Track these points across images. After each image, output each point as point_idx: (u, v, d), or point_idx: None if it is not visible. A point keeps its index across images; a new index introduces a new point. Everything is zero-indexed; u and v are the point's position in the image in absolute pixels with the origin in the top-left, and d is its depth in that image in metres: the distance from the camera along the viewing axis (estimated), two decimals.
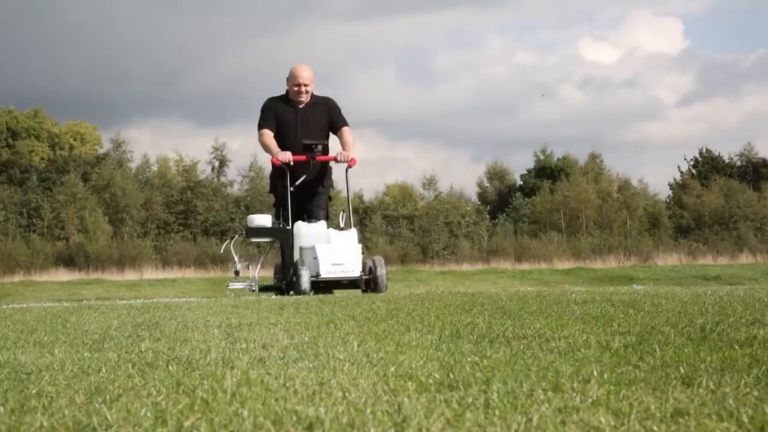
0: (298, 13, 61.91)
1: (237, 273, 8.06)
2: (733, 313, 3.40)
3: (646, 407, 1.45)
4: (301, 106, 8.06)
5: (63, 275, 25.83)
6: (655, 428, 1.29)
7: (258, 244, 10.28)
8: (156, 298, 8.55)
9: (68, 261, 30.75)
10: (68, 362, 2.30)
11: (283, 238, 7.79)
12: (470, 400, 1.55)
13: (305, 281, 7.17)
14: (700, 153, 41.37)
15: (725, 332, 2.66)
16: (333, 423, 1.37)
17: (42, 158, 41.47)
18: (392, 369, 2.00)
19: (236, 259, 8.14)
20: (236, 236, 8.32)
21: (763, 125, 56.61)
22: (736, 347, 2.28)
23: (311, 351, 2.45)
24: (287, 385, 1.79)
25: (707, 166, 40.50)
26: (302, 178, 7.85)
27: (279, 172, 7.95)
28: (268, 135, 8.00)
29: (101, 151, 42.29)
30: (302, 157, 7.80)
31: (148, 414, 1.49)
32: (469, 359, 2.17)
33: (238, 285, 7.91)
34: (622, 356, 2.17)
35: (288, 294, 7.44)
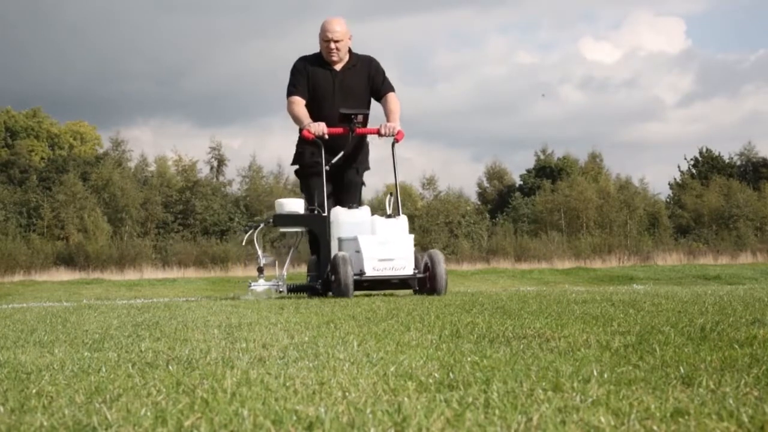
0: (299, 13, 61.89)
1: (261, 270, 6.62)
2: (733, 313, 3.40)
3: (646, 407, 1.44)
4: (337, 68, 6.75)
5: (63, 275, 25.85)
6: (655, 428, 1.29)
7: (285, 235, 9.03)
8: (156, 298, 8.53)
9: (68, 261, 30.78)
10: (68, 362, 2.30)
11: (318, 227, 6.44)
12: (470, 399, 1.55)
13: (347, 281, 5.88)
14: (700, 153, 41.40)
15: (725, 332, 2.66)
16: (333, 423, 1.37)
17: (41, 158, 41.49)
18: (392, 369, 2.00)
19: (260, 253, 6.72)
20: (261, 225, 6.87)
21: (763, 125, 56.62)
22: (736, 347, 2.28)
23: (311, 351, 2.45)
24: (287, 384, 1.79)
25: (707, 166, 40.53)
26: (339, 155, 6.60)
27: (311, 147, 6.66)
28: (299, 103, 6.69)
29: (101, 150, 42.27)
30: (339, 130, 6.53)
31: (148, 414, 1.49)
32: (469, 359, 2.17)
33: (261, 285, 6.51)
34: (622, 356, 2.17)
35: (326, 296, 6.25)
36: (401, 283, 6.21)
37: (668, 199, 39.83)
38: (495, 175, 43.10)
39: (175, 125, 60.11)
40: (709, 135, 65.35)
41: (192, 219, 35.86)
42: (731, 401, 1.47)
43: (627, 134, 61.63)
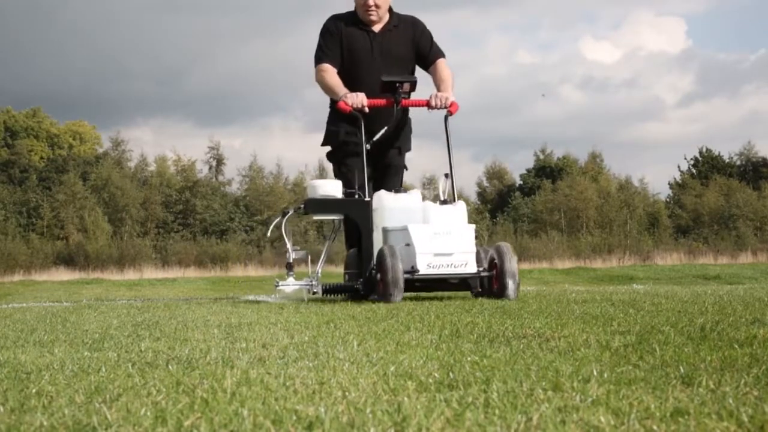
0: (300, 13, 61.87)
1: (290, 266, 5.51)
2: (733, 313, 3.40)
3: (645, 407, 1.45)
4: (376, 29, 5.73)
5: (63, 275, 25.86)
6: (654, 428, 1.29)
7: (320, 224, 7.36)
8: (156, 298, 8.53)
9: (68, 260, 30.79)
10: (68, 362, 2.30)
11: (359, 214, 5.38)
12: (470, 399, 1.55)
13: (396, 280, 4.84)
14: (700, 152, 41.41)
15: (725, 332, 2.66)
16: (333, 422, 1.37)
17: (41, 158, 41.49)
18: (392, 368, 2.00)
19: (289, 245, 5.55)
20: (290, 211, 5.72)
21: (763, 125, 56.64)
22: (736, 347, 2.28)
23: (311, 350, 2.45)
24: (287, 384, 1.79)
25: (707, 166, 40.54)
26: (382, 131, 5.61)
27: (347, 124, 5.65)
28: (330, 72, 5.67)
29: (100, 150, 42.28)
30: (381, 101, 5.54)
31: (148, 413, 1.49)
32: (469, 359, 2.17)
33: (291, 285, 5.42)
34: (622, 356, 2.17)
35: (368, 299, 5.23)
36: (461, 283, 5.19)
37: (668, 199, 39.84)
38: (495, 174, 43.11)
39: (175, 125, 60.17)
40: (709, 135, 65.38)
41: (192, 219, 35.87)
42: (731, 401, 1.47)
43: (627, 134, 61.67)
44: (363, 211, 5.38)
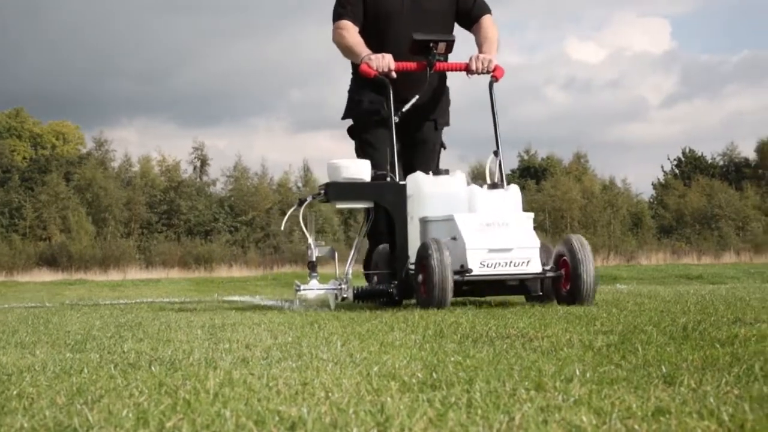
0: (287, 14, 61.82)
1: (313, 266, 4.52)
2: (715, 312, 3.42)
3: (627, 406, 1.45)
4: None
5: (45, 276, 25.74)
6: (636, 427, 1.29)
7: (343, 213, 5.83)
8: (139, 299, 8.50)
9: (51, 261, 30.64)
10: (50, 363, 2.29)
11: (393, 201, 4.42)
12: (453, 399, 1.55)
13: (444, 282, 3.92)
14: (683, 153, 41.62)
15: (707, 331, 2.68)
16: (316, 423, 1.37)
17: (24, 158, 41.24)
18: (375, 369, 2.00)
19: (311, 241, 4.54)
20: (308, 199, 4.67)
21: (745, 126, 57.00)
22: (718, 346, 2.29)
23: (295, 351, 2.45)
24: (270, 385, 1.79)
25: (690, 166, 40.76)
26: (413, 100, 4.79)
27: (373, 90, 4.86)
28: (351, 30, 4.86)
29: (84, 150, 42.07)
30: (411, 65, 4.71)
31: (130, 415, 1.49)
32: (452, 359, 2.17)
33: (315, 288, 4.41)
34: (605, 355, 2.18)
35: (401, 304, 4.44)
36: (521, 285, 4.27)
37: (651, 199, 40.04)
38: (480, 175, 43.18)
39: (160, 125, 59.93)
40: (692, 135, 65.69)
41: (176, 219, 35.76)
42: (712, 400, 1.48)
43: (611, 134, 61.93)
44: (397, 197, 4.43)
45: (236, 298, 7.35)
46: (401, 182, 4.50)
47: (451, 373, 1.90)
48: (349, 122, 5.16)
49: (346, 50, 4.91)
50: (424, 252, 4.05)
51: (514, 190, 4.47)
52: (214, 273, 26.20)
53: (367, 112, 4.95)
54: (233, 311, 4.67)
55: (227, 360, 2.26)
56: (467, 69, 4.76)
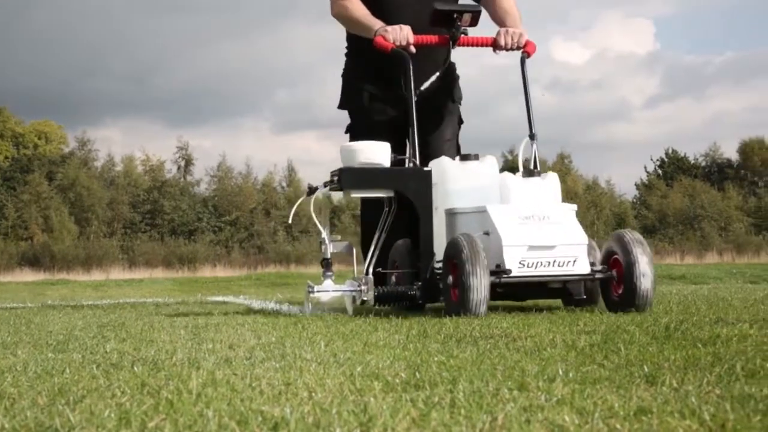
0: (273, 14, 61.73)
1: (328, 264, 4.03)
2: (697, 312, 3.44)
3: (609, 406, 1.46)
4: None
5: (27, 276, 25.59)
6: (618, 426, 1.30)
7: (367, 202, 4.54)
8: (122, 299, 8.46)
9: (33, 261, 30.47)
10: (31, 363, 2.28)
11: (417, 189, 3.90)
12: (436, 399, 1.55)
13: (479, 285, 3.41)
14: (666, 154, 41.82)
15: (689, 331, 2.69)
16: (298, 423, 1.37)
17: (6, 157, 40.99)
18: (359, 369, 2.00)
19: (325, 235, 4.03)
20: (320, 187, 4.13)
21: (728, 127, 57.34)
22: (700, 346, 2.30)
23: (278, 351, 2.45)
24: (253, 385, 1.79)
25: (673, 167, 40.97)
26: (433, 78, 4.43)
27: (375, 76, 4.43)
28: (355, 2, 4.37)
29: (66, 150, 41.85)
30: (432, 38, 4.23)
31: (112, 415, 1.48)
32: (435, 359, 2.18)
33: (330, 290, 3.94)
34: (588, 355, 2.19)
35: (423, 308, 4.04)
36: (563, 287, 3.80)
37: (635, 200, 40.22)
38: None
39: (145, 125, 59.68)
40: (675, 136, 66.02)
41: (160, 219, 35.63)
42: (693, 399, 1.49)
43: (594, 135, 62.11)
44: (421, 184, 3.90)
45: (220, 298, 7.34)
46: (426, 168, 3.97)
47: (434, 373, 1.91)
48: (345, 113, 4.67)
49: (354, 23, 4.35)
50: (454, 249, 3.51)
51: (553, 178, 3.99)
52: (197, 273, 26.12)
53: (368, 112, 4.50)
54: (217, 311, 4.66)
55: (210, 360, 2.25)
56: (495, 44, 4.30)
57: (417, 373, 1.89)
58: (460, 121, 4.77)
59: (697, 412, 1.38)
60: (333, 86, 60.14)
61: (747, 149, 40.08)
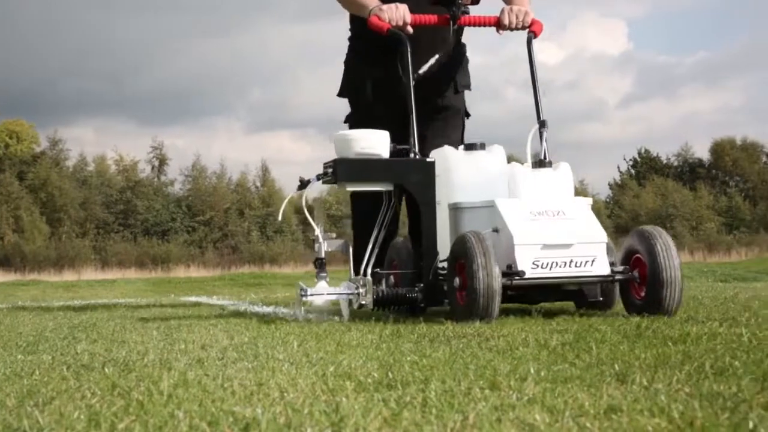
0: (248, 14, 61.44)
1: (322, 264, 3.75)
2: None
3: (580, 404, 1.47)
4: None
5: None
6: (588, 425, 1.31)
7: (360, 196, 4.10)
8: (94, 299, 8.40)
9: (3, 262, 30.17)
10: (0, 365, 2.25)
11: (419, 182, 3.61)
12: (408, 399, 1.56)
13: (490, 287, 3.14)
14: (639, 153, 42.12)
15: (660, 329, 2.71)
16: (270, 423, 1.37)
17: None
18: (331, 369, 2.00)
19: (319, 231, 3.75)
20: (312, 179, 3.80)
21: (699, 127, 57.84)
22: (670, 344, 2.32)
23: (251, 351, 2.44)
24: (225, 386, 1.78)
25: (645, 166, 41.27)
26: (432, 60, 4.17)
27: (378, 63, 4.17)
28: None
29: (38, 149, 41.46)
30: (432, 17, 4.00)
31: (82, 417, 1.47)
32: (408, 358, 2.18)
33: (324, 293, 3.64)
34: (559, 354, 2.20)
35: (424, 312, 3.63)
36: (578, 290, 3.53)
37: (608, 199, 40.48)
38: None
39: (119, 125, 59.19)
40: (647, 136, 66.49)
41: (133, 219, 35.40)
42: (663, 398, 1.50)
43: (569, 135, 62.37)
44: (424, 177, 3.61)
45: (193, 298, 7.30)
46: (429, 159, 3.68)
47: (407, 372, 1.91)
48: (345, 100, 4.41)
49: (350, 2, 4.16)
50: (462, 248, 3.24)
51: (565, 169, 3.68)
52: (171, 273, 25.96)
53: (370, 100, 4.24)
54: (190, 312, 4.63)
55: (182, 361, 2.24)
56: (498, 24, 4.05)
57: (389, 373, 1.89)
58: (466, 114, 4.43)
59: (666, 410, 1.39)
60: (307, 86, 60.06)
61: (718, 149, 40.47)
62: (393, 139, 3.70)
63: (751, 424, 1.27)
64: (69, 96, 57.32)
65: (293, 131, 61.63)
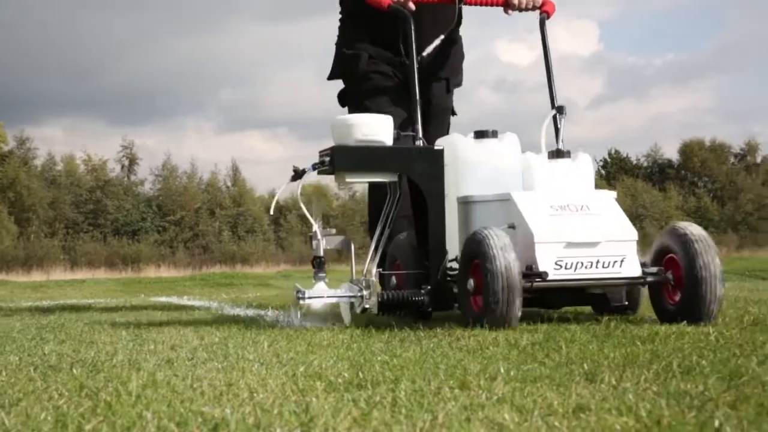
0: (217, 14, 61.13)
1: (320, 264, 3.34)
2: None
3: (549, 403, 1.47)
4: None
5: None
6: (557, 424, 1.31)
7: (377, 185, 3.73)
8: (63, 300, 8.32)
9: None
10: None
11: (426, 173, 3.26)
12: (378, 398, 1.56)
13: (510, 290, 2.82)
14: (609, 154, 42.43)
15: (629, 329, 2.73)
16: (239, 424, 1.36)
17: None
18: (302, 369, 2.00)
19: (317, 227, 3.36)
20: (308, 169, 3.36)
21: (668, 128, 58.34)
22: (639, 343, 2.34)
23: (221, 351, 2.43)
24: (194, 386, 1.77)
25: (615, 167, 41.56)
26: (436, 42, 3.94)
27: (374, 41, 3.96)
28: None
29: (6, 148, 41.01)
30: None
31: (48, 418, 1.45)
32: (379, 358, 2.18)
33: (323, 296, 3.25)
34: (529, 353, 2.21)
35: (429, 317, 3.35)
36: (602, 294, 3.24)
37: None
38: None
39: (89, 124, 58.64)
40: (617, 137, 67.01)
41: (103, 219, 35.12)
42: (631, 396, 1.51)
43: (539, 135, 62.61)
44: (432, 167, 3.27)
45: (164, 299, 7.26)
46: (437, 146, 3.34)
47: (377, 372, 1.91)
48: (338, 84, 4.13)
49: None
50: (478, 246, 2.90)
51: (585, 160, 3.42)
52: (141, 273, 25.76)
53: (365, 74, 3.95)
54: (160, 312, 4.60)
55: (151, 361, 2.23)
56: (507, 4, 3.87)
57: (360, 373, 1.89)
58: (453, 112, 4.25)
59: (633, 409, 1.40)
60: (278, 86, 59.88)
61: (687, 150, 40.86)
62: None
63: (717, 423, 1.28)
64: (37, 95, 56.74)
65: (264, 131, 61.46)
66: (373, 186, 3.96)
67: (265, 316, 3.85)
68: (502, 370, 1.87)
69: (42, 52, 55.52)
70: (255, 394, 1.65)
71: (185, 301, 6.36)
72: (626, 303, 3.28)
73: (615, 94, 64.16)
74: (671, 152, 45.10)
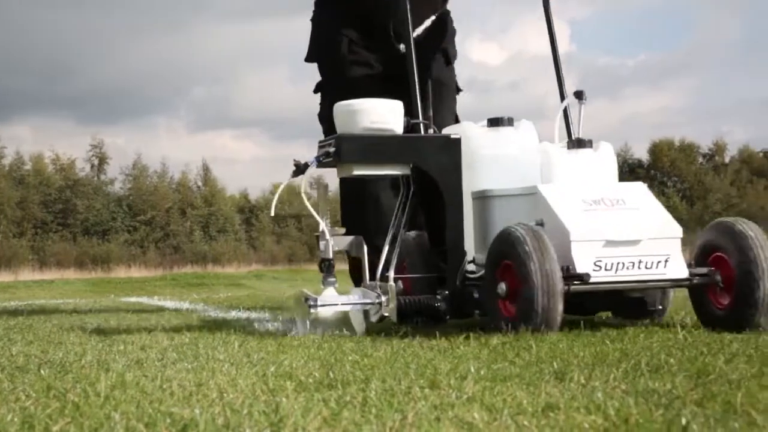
0: (188, 14, 60.80)
1: (329, 267, 3.04)
2: None
3: (518, 402, 1.48)
4: None
5: None
6: (526, 423, 1.32)
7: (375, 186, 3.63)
8: (31, 300, 8.23)
9: None
10: None
11: (442, 165, 2.96)
12: (348, 398, 1.56)
13: (554, 295, 2.56)
14: None
15: (599, 328, 2.75)
16: (208, 424, 1.35)
17: None
18: (272, 369, 1.99)
19: (324, 226, 3.06)
20: (312, 162, 3.01)
21: (639, 128, 58.79)
22: (608, 342, 2.36)
23: (191, 352, 2.42)
24: (164, 387, 1.76)
25: None
26: (427, 23, 3.72)
27: (354, 24, 3.69)
28: None
29: None
30: None
31: (15, 419, 1.44)
32: (350, 358, 2.18)
33: (335, 303, 2.94)
34: (500, 353, 2.22)
35: (446, 322, 2.99)
36: (640, 298, 2.99)
37: None
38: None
39: (57, 124, 58.09)
40: (590, 137, 67.35)
41: (72, 218, 34.81)
42: (600, 395, 1.52)
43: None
44: (448, 157, 2.96)
45: (134, 299, 7.21)
46: (454, 135, 3.00)
47: (348, 372, 1.91)
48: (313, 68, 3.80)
49: None
50: (509, 246, 2.64)
51: (607, 150, 3.14)
52: (111, 273, 25.57)
53: (346, 63, 3.66)
54: (130, 312, 4.57)
55: (121, 362, 2.21)
56: None
57: (330, 373, 1.89)
58: (458, 88, 3.91)
59: (602, 407, 1.41)
60: (250, 85, 59.68)
61: (656, 150, 41.21)
62: None
63: (684, 420, 1.29)
64: (5, 94, 56.11)
65: (236, 130, 61.18)
66: (342, 181, 3.49)
67: (236, 317, 3.84)
68: (472, 370, 1.88)
69: (9, 51, 54.93)
70: (225, 395, 1.64)
71: (156, 301, 6.32)
72: (660, 307, 3.04)
73: (587, 95, 64.52)
74: (641, 152, 45.43)
